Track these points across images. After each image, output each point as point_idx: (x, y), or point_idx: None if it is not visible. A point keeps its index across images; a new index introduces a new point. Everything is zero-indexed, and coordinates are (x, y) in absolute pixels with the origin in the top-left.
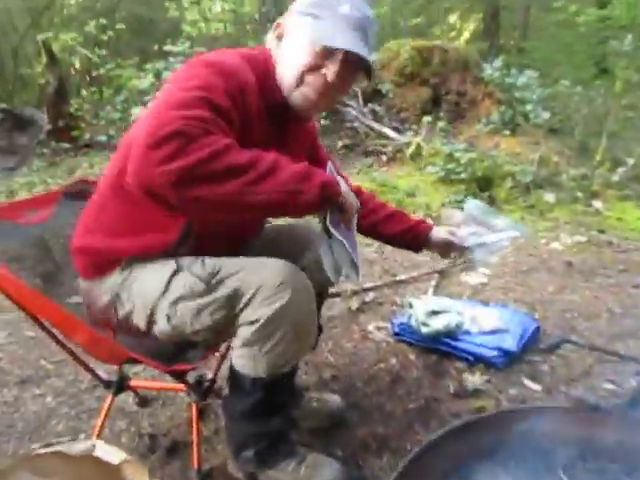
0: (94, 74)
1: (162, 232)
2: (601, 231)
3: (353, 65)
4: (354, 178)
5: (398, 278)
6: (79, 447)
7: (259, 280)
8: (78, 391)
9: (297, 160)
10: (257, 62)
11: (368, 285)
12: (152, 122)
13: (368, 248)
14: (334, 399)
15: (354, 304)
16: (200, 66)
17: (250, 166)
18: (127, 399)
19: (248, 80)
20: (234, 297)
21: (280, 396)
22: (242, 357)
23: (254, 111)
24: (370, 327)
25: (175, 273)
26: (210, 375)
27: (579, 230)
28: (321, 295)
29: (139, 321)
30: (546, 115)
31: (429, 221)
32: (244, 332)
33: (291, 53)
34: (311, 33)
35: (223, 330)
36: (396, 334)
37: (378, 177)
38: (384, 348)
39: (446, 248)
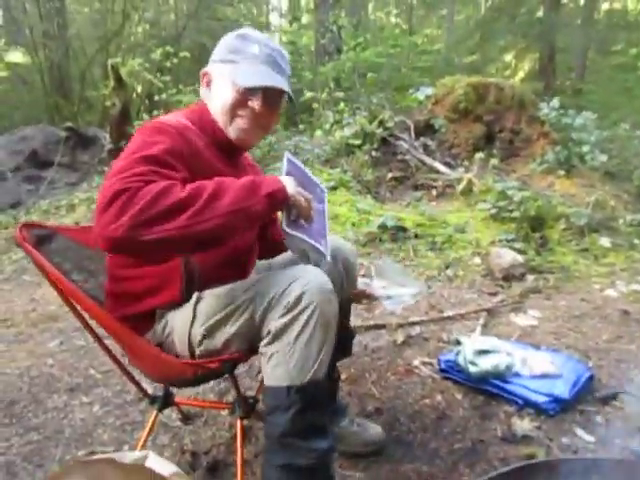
0: (155, 99)
1: (168, 286)
2: None
3: (273, 95)
4: (403, 210)
5: (445, 314)
6: (132, 456)
7: (275, 284)
8: (124, 402)
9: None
10: (191, 111)
11: (414, 319)
12: (99, 194)
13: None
14: (376, 428)
15: (399, 337)
16: (137, 134)
17: (193, 197)
18: (171, 414)
19: (185, 125)
20: (252, 302)
21: (320, 413)
22: (272, 368)
23: (200, 148)
24: (416, 362)
25: (198, 301)
26: (253, 394)
27: (636, 278)
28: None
29: (182, 353)
30: (603, 157)
31: (477, 259)
32: (267, 343)
33: (220, 96)
34: (232, 77)
35: (250, 337)
36: (442, 370)
37: (427, 211)
38: (430, 384)
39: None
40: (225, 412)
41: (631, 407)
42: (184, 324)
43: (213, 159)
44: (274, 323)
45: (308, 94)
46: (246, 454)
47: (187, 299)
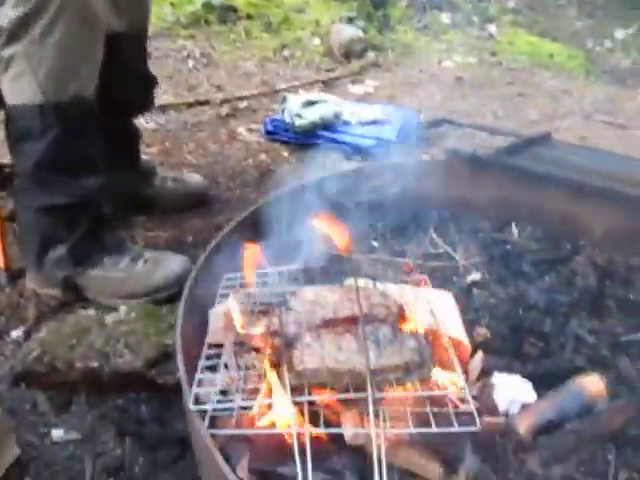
0: None
1: None
2: (493, 54)
3: None
4: None
5: (277, 88)
6: None
7: None
8: None
9: None
10: None
11: (242, 94)
12: None
13: (245, 62)
14: (195, 178)
15: (225, 111)
16: None
17: None
18: None
19: None
20: None
21: (88, 143)
22: (12, 80)
23: None
24: (241, 129)
25: None
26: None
27: (472, 52)
28: None
29: None
30: None
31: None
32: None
33: None
34: None
35: None
36: (268, 133)
37: None
38: (254, 148)
39: None
40: None
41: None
42: None
43: None
44: (5, 15)
45: None
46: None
47: None
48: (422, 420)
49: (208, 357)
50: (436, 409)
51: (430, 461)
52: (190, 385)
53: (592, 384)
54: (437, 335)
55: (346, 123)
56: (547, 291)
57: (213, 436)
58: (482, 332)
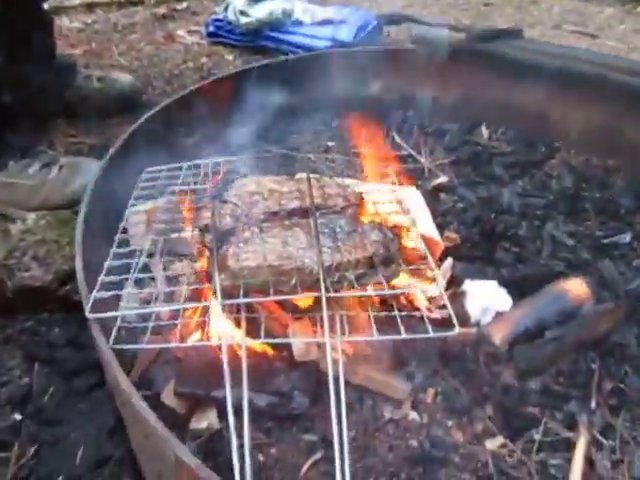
0: None
1: None
2: None
3: None
4: None
5: None
6: None
7: None
8: None
9: None
10: None
11: None
12: None
13: None
14: (125, 78)
15: (161, 11)
16: None
17: None
18: None
19: None
20: None
21: None
22: None
23: None
24: (180, 32)
25: None
26: None
27: None
28: None
29: None
30: None
31: None
32: None
33: None
34: None
35: None
36: (211, 35)
37: None
38: (195, 50)
39: None
40: None
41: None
42: None
43: None
44: None
45: None
46: None
47: None
48: (387, 327)
49: (117, 256)
50: (404, 313)
51: (395, 377)
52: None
53: (574, 288)
54: (405, 230)
55: (297, 23)
56: (520, 195)
57: (119, 352)
58: (451, 237)
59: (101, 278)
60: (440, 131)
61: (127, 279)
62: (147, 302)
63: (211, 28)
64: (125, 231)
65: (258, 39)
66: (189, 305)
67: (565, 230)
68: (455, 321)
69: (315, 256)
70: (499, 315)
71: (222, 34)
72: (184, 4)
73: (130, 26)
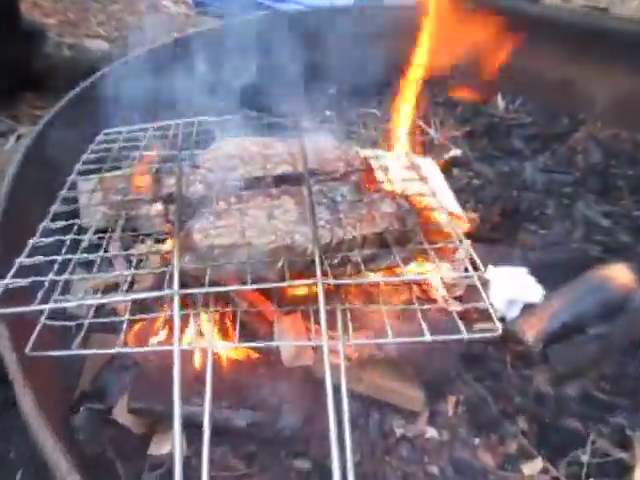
0: None
1: None
2: None
3: None
4: None
5: None
6: None
7: None
8: None
9: None
10: None
11: None
12: None
13: None
14: (100, 46)
15: None
16: None
17: None
18: None
19: None
20: None
21: None
22: None
23: None
24: (165, 2)
25: None
26: None
27: None
28: None
29: None
30: None
31: None
32: None
33: None
34: None
35: None
36: (198, 4)
37: None
38: (181, 20)
39: None
40: None
41: None
42: None
43: None
44: None
45: None
46: None
47: None
48: (403, 324)
49: (47, 232)
50: (426, 307)
51: (409, 385)
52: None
53: (618, 275)
54: (424, 205)
55: None
56: (544, 171)
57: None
58: (470, 217)
59: (20, 260)
60: (451, 101)
61: (55, 262)
62: (96, 291)
63: None
64: (68, 202)
65: (250, 7)
66: (131, 297)
67: (598, 210)
68: (496, 320)
69: (309, 231)
70: (529, 308)
71: (210, 2)
72: None
73: None
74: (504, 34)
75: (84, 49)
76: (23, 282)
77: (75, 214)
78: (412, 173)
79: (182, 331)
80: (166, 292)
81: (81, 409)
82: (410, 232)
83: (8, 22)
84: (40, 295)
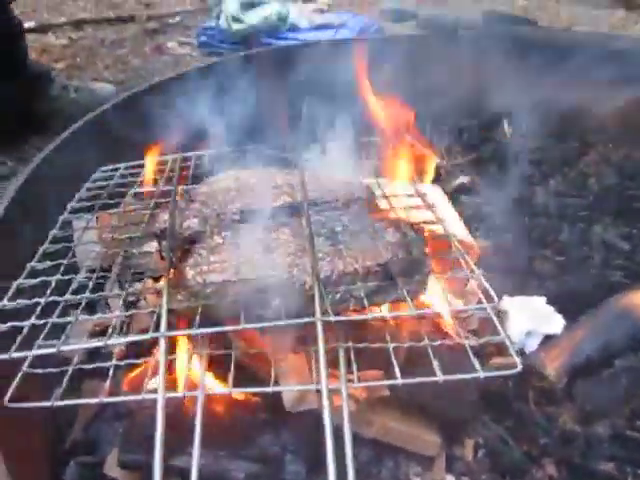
0: None
1: None
2: None
3: None
4: None
5: None
6: None
7: None
8: None
9: None
10: None
11: (176, 9)
12: None
13: None
14: (106, 88)
15: (152, 26)
16: None
17: None
18: None
19: None
20: None
21: None
22: None
23: None
24: (171, 44)
25: None
26: None
27: None
28: None
29: None
30: None
31: None
32: None
33: None
34: None
35: None
36: (202, 44)
37: None
38: (186, 61)
39: None
40: None
41: None
42: None
43: None
44: None
45: None
46: None
47: None
48: (412, 361)
49: (33, 273)
50: (437, 342)
51: (424, 428)
52: None
53: None
54: (431, 233)
55: (294, 28)
56: (556, 195)
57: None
58: (481, 245)
59: (1, 303)
60: (455, 127)
61: (40, 304)
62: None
63: (202, 38)
64: (56, 241)
65: (252, 47)
66: (112, 342)
67: (617, 233)
68: (515, 355)
69: (308, 264)
70: (549, 340)
71: (214, 43)
72: (177, 18)
73: (119, 41)
74: (508, 62)
75: (89, 92)
76: (3, 327)
77: (66, 253)
78: (418, 201)
79: (173, 376)
80: (151, 335)
81: (71, 462)
82: (417, 262)
83: (13, 65)
84: (19, 341)
